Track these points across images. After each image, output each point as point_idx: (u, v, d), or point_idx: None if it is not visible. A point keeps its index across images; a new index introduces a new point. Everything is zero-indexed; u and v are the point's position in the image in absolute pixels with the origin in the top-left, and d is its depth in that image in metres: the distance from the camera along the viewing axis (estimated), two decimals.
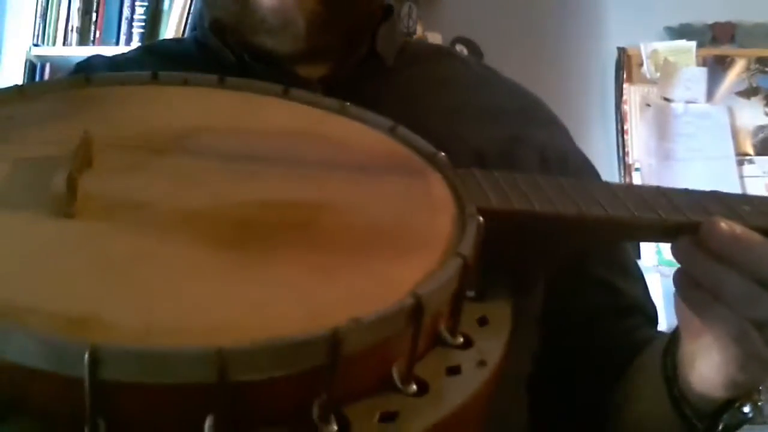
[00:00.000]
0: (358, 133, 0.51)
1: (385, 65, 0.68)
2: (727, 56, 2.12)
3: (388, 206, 0.42)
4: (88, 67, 0.70)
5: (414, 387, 0.32)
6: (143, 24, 1.93)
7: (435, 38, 1.96)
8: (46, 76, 1.93)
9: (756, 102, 2.09)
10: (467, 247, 0.36)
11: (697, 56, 2.11)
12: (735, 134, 2.06)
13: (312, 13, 0.59)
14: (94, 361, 0.26)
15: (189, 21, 1.88)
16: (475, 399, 0.33)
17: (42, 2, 1.96)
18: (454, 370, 0.34)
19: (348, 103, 0.53)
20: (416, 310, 0.31)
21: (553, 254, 0.56)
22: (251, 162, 0.44)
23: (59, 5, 1.96)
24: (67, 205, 0.37)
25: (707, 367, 0.48)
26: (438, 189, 0.44)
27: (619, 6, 2.18)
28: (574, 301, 0.64)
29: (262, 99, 0.53)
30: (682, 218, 0.45)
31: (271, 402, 0.29)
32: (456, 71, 0.73)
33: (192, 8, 1.90)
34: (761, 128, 2.07)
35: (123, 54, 0.73)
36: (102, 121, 0.47)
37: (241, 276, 0.34)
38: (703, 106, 2.08)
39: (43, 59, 1.95)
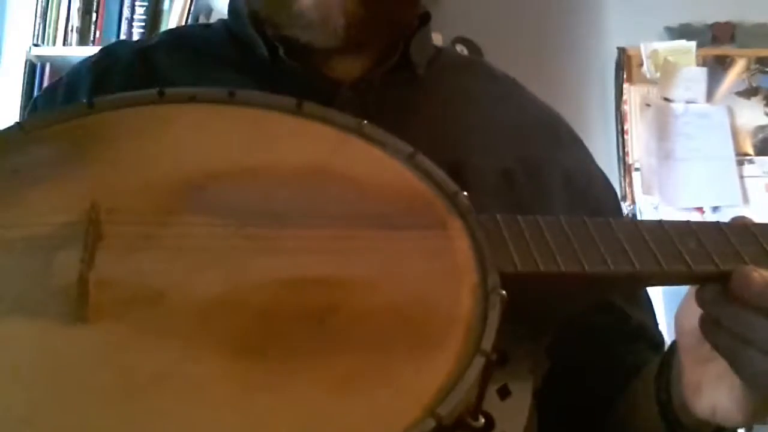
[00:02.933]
0: (376, 167, 0.48)
1: (416, 73, 0.67)
2: (727, 56, 2.12)
3: (409, 279, 0.41)
4: (113, 54, 0.69)
5: None
6: (143, 24, 1.93)
7: (435, 38, 1.95)
8: (46, 76, 1.92)
9: (756, 102, 2.09)
10: (489, 339, 0.35)
11: (697, 56, 2.11)
12: (735, 134, 2.06)
13: (351, 11, 0.59)
14: None
15: (189, 20, 1.88)
16: None
17: (42, 2, 1.96)
18: None
19: (365, 122, 0.50)
20: (437, 429, 0.32)
21: (573, 301, 0.54)
22: (266, 220, 0.42)
23: (59, 5, 1.96)
24: (80, 308, 0.36)
25: (724, 398, 0.48)
26: (461, 250, 0.42)
27: (619, 6, 2.18)
28: (580, 322, 0.64)
29: (273, 122, 0.50)
30: (712, 268, 0.44)
31: None
32: (485, 85, 0.72)
33: (192, 8, 1.90)
34: (761, 128, 2.07)
35: (150, 40, 0.71)
36: (108, 169, 0.45)
37: (263, 402, 0.33)
38: (703, 106, 2.08)
39: (43, 59, 1.95)
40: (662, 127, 2.07)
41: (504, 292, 0.38)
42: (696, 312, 0.46)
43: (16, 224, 0.40)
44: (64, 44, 1.95)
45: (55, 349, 0.34)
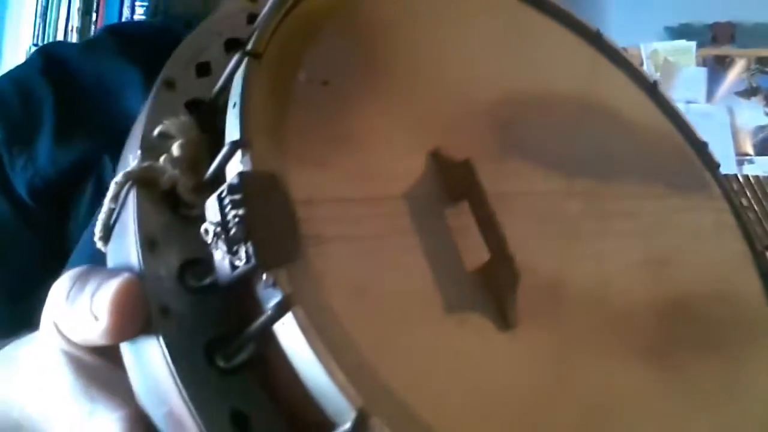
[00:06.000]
0: (630, 100, 0.42)
1: None
2: (727, 56, 2.12)
3: (711, 260, 0.37)
4: (52, 55, 0.63)
5: None
6: None
7: None
8: None
9: (756, 102, 2.09)
10: None
11: (697, 56, 2.11)
12: (735, 134, 2.06)
13: None
14: None
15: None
16: None
17: (42, 2, 1.96)
18: None
19: (598, 31, 0.41)
20: None
21: None
22: (588, 172, 0.35)
23: (59, 5, 1.96)
24: (509, 307, 0.27)
25: None
26: (729, 222, 0.38)
27: (619, 6, 2.18)
28: None
29: (528, 21, 0.42)
30: None
31: None
32: None
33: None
34: (761, 128, 2.07)
35: (88, 39, 0.68)
36: (412, 87, 0.33)
37: (685, 414, 0.29)
38: (703, 106, 2.08)
39: None
40: None
41: None
42: None
43: (364, 176, 0.28)
44: None
45: (501, 368, 0.27)
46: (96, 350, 0.26)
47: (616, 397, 0.28)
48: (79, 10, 1.95)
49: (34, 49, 1.94)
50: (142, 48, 0.61)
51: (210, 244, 0.23)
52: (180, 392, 0.22)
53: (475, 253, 0.28)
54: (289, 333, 0.21)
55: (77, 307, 0.25)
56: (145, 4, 1.94)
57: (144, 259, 0.24)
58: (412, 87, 0.33)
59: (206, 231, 0.23)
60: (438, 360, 0.25)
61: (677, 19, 2.14)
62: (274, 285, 0.22)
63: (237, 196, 0.22)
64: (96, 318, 0.24)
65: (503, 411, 0.25)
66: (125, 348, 0.25)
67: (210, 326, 0.23)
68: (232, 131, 0.24)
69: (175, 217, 0.26)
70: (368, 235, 0.27)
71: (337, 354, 0.21)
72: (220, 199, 0.23)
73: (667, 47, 2.12)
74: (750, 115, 2.08)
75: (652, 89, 0.42)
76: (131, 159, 0.27)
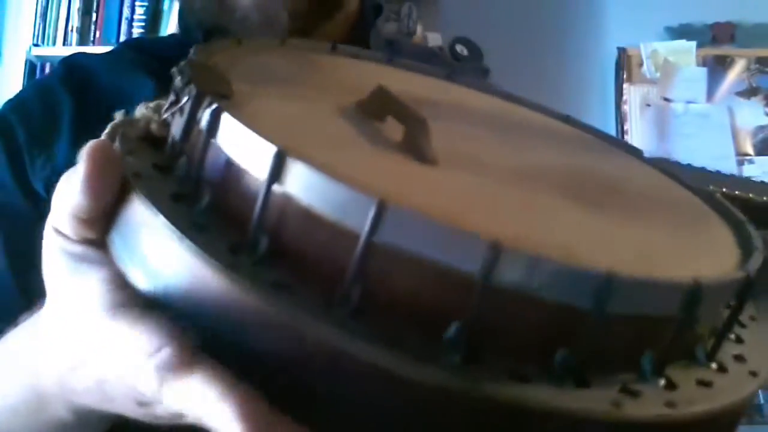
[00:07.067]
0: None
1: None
2: (727, 56, 2.12)
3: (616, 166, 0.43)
4: (73, 65, 0.69)
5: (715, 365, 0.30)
6: (143, 24, 1.93)
7: (435, 38, 1.96)
8: None
9: (756, 102, 2.09)
10: (754, 265, 0.32)
11: (697, 56, 2.11)
12: (735, 134, 2.06)
13: (291, 7, 0.60)
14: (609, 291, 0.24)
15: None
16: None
17: (42, 2, 1.97)
18: (705, 384, 0.29)
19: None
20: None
21: None
22: (509, 132, 0.42)
23: (59, 5, 1.96)
24: (428, 151, 0.32)
25: None
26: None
27: (619, 6, 2.18)
28: None
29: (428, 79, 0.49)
30: None
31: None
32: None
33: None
34: (761, 128, 2.07)
35: (108, 51, 0.72)
36: (347, 81, 0.41)
37: (608, 228, 0.33)
38: (703, 106, 2.09)
39: (43, 59, 1.95)
40: (662, 127, 2.07)
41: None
42: None
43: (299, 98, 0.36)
44: (64, 44, 1.95)
45: (441, 177, 0.32)
46: (89, 242, 0.30)
47: (552, 210, 0.32)
48: (79, 10, 1.96)
49: (34, 49, 1.95)
50: (157, 61, 0.66)
51: (171, 121, 0.31)
52: (157, 227, 0.27)
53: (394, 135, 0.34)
54: (222, 127, 0.28)
55: (62, 186, 0.31)
56: (145, 4, 1.94)
57: (123, 158, 0.31)
58: (337, 80, 0.41)
59: (170, 117, 0.31)
60: (368, 162, 0.31)
61: (677, 19, 2.14)
62: (210, 104, 0.28)
63: (184, 71, 0.30)
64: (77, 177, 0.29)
65: (449, 196, 0.30)
66: (110, 234, 0.30)
67: (174, 184, 0.29)
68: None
69: (147, 143, 0.33)
70: (300, 110, 0.34)
71: (261, 129, 0.26)
72: (174, 89, 0.31)
73: (667, 47, 2.13)
74: (750, 115, 2.08)
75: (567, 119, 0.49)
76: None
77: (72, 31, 1.95)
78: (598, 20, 2.19)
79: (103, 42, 1.93)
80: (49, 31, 1.97)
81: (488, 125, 0.43)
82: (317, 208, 0.25)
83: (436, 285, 0.25)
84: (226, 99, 0.30)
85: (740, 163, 2.04)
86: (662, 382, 0.27)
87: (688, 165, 0.49)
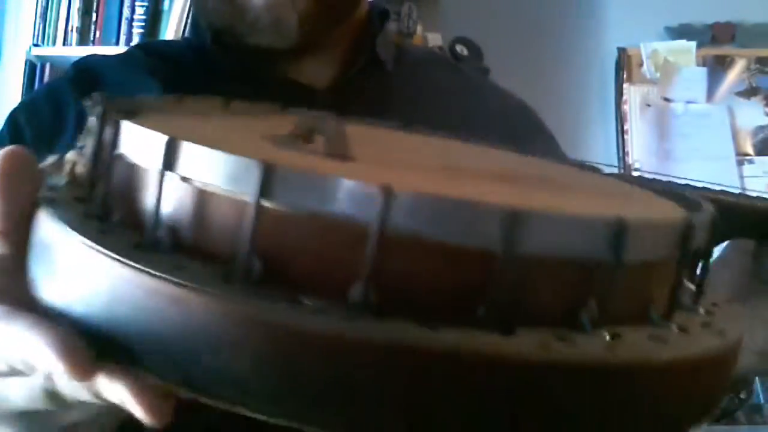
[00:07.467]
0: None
1: (386, 70, 0.69)
2: (727, 56, 2.12)
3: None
4: (83, 67, 0.71)
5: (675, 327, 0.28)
6: (143, 24, 1.93)
7: (435, 38, 1.96)
8: (46, 76, 1.93)
9: (756, 102, 2.09)
10: (698, 218, 0.30)
11: (697, 56, 2.11)
12: (735, 134, 2.06)
13: (302, 9, 0.60)
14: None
15: (188, 22, 1.88)
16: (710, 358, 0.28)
17: (42, 2, 1.96)
18: (658, 339, 0.28)
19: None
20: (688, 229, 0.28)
21: None
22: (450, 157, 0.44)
23: (59, 5, 1.96)
24: (344, 149, 0.32)
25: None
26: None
27: (619, 6, 2.18)
28: None
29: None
30: None
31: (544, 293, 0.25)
32: (451, 76, 0.75)
33: (191, 8, 1.90)
34: (761, 128, 2.07)
35: (121, 54, 0.74)
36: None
37: (551, 198, 0.33)
38: (703, 106, 2.08)
39: (43, 59, 1.95)
40: (662, 127, 2.07)
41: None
42: None
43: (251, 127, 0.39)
44: (64, 44, 1.95)
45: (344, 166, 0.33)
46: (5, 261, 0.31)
47: (477, 187, 0.33)
48: (79, 10, 1.95)
49: (34, 49, 1.95)
50: (164, 63, 0.68)
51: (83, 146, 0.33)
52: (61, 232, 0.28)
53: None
54: (123, 134, 0.29)
55: None
56: (145, 4, 1.94)
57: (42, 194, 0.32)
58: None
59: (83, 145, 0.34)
60: (268, 148, 0.32)
61: (677, 19, 2.14)
62: (116, 120, 0.30)
63: (96, 103, 0.33)
64: None
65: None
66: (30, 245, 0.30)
67: (89, 207, 0.30)
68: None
69: (72, 184, 0.35)
70: (214, 127, 0.37)
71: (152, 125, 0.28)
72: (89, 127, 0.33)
73: (667, 47, 2.13)
74: (750, 115, 2.08)
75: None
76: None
77: (72, 31, 1.95)
78: (598, 20, 2.19)
79: (103, 42, 1.93)
80: (49, 31, 1.96)
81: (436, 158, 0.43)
82: (211, 185, 0.26)
83: (333, 241, 0.24)
84: (132, 115, 0.32)
85: (740, 163, 2.04)
86: (606, 335, 0.25)
87: (687, 185, 0.49)
